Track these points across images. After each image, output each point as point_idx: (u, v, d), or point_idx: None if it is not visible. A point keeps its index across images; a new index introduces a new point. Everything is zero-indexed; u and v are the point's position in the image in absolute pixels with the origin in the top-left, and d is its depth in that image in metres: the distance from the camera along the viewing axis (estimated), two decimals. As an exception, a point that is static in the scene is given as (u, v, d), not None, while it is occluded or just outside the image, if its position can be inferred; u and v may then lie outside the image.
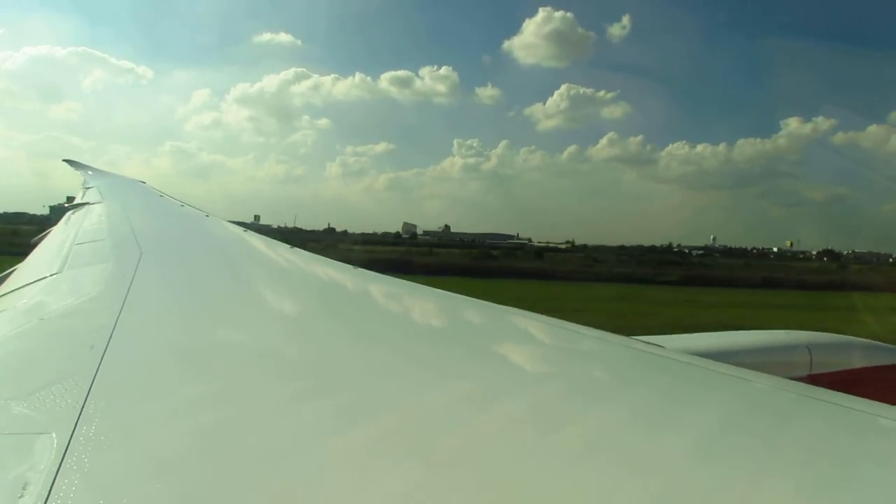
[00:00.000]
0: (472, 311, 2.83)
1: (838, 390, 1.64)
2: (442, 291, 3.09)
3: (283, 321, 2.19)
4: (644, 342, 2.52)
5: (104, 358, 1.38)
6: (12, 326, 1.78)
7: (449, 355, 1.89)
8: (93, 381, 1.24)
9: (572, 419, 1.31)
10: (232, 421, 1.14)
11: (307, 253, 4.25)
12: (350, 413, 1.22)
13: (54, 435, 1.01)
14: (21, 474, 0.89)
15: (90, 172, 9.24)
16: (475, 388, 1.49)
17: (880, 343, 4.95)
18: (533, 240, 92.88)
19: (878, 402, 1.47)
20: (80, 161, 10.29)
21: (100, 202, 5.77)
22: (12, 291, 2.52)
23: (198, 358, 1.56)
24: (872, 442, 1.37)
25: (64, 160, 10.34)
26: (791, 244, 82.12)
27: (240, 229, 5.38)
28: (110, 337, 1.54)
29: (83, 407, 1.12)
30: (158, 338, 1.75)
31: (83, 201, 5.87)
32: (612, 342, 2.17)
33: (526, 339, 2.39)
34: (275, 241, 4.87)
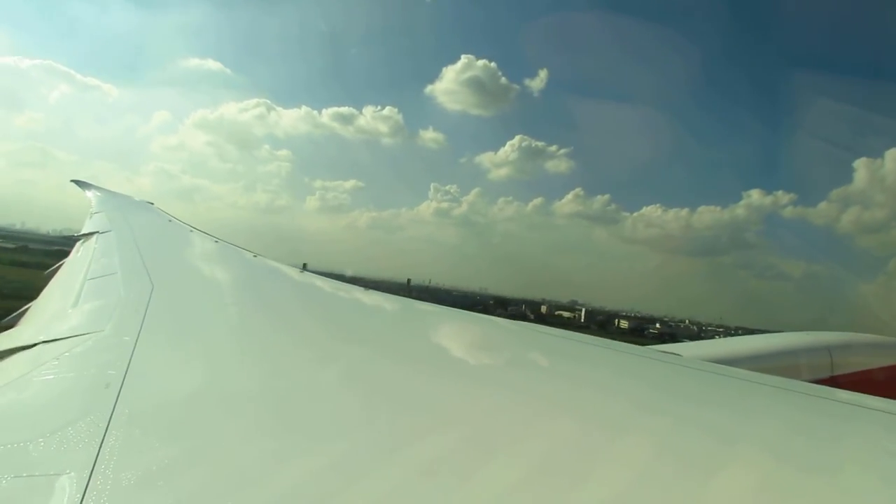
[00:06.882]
0: (490, 328, 2.82)
1: (861, 390, 1.62)
2: (450, 309, 3.09)
3: (301, 351, 2.14)
4: (662, 351, 2.50)
5: (119, 396, 1.39)
6: (28, 367, 1.79)
7: (469, 372, 1.88)
8: (109, 420, 1.24)
9: (595, 431, 1.30)
10: (251, 459, 1.12)
11: (320, 277, 4.24)
12: (391, 447, 1.19)
13: (73, 475, 1.02)
14: None
15: (99, 194, 9.28)
16: (500, 404, 1.48)
17: None
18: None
19: None
20: (81, 181, 10.24)
21: (109, 231, 5.85)
22: (28, 330, 2.54)
23: (214, 395, 1.55)
24: (893, 442, 1.35)
25: (72, 181, 10.34)
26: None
27: (249, 254, 5.34)
28: (125, 375, 1.55)
29: (101, 446, 1.12)
30: (173, 374, 1.74)
31: (91, 230, 5.94)
32: (629, 352, 2.16)
33: (541, 352, 2.37)
34: (283, 265, 4.86)
